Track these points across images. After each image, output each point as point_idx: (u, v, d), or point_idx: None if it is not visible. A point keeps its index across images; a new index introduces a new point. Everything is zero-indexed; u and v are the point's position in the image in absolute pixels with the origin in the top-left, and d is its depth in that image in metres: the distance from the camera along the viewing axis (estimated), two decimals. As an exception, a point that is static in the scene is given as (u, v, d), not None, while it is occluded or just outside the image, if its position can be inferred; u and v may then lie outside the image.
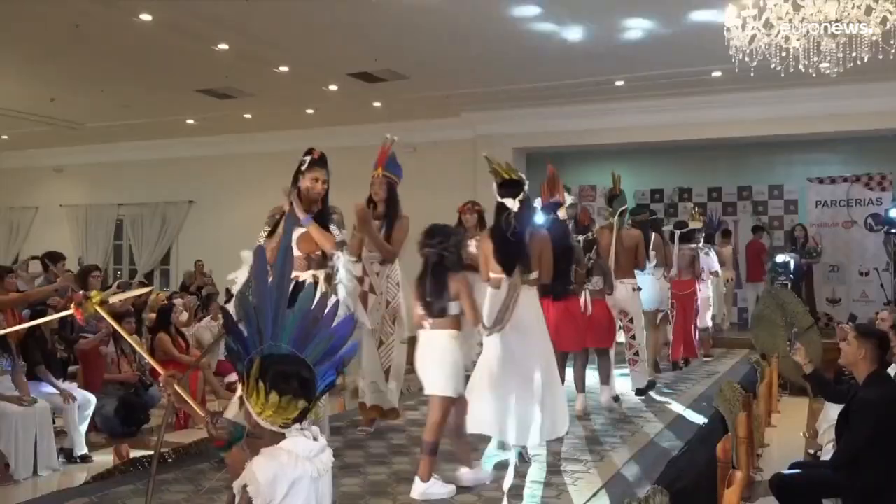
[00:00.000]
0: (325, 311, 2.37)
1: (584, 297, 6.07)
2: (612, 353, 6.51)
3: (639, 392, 6.87)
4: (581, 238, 6.38)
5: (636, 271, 7.04)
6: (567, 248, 5.61)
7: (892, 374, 5.24)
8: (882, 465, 4.08)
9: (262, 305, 2.28)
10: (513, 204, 4.50)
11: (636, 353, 6.85)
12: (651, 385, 7.10)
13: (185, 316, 9.51)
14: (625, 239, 6.88)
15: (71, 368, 7.17)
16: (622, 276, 6.78)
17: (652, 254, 7.54)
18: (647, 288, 7.38)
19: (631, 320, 6.88)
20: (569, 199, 6.08)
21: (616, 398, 6.46)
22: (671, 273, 8.34)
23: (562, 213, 5.81)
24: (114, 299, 3.22)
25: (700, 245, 9.28)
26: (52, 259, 8.46)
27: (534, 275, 4.56)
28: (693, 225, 9.04)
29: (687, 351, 8.84)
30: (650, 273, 7.59)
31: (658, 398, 6.82)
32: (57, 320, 7.23)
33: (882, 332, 4.79)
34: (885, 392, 4.22)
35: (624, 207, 7.06)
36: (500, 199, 4.57)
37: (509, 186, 4.57)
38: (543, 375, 4.44)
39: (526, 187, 4.64)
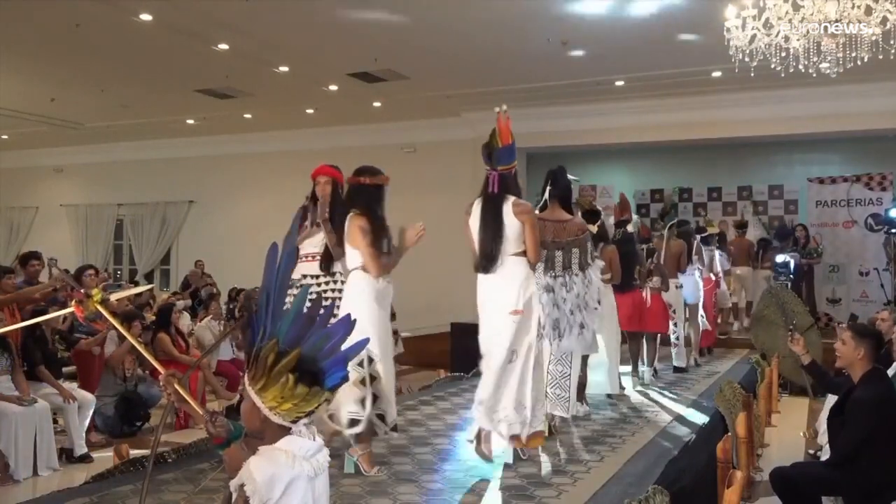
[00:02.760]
0: (321, 313, 2.36)
1: (646, 292, 7.64)
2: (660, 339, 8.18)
3: (677, 370, 8.27)
4: (645, 247, 8.14)
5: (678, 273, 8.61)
6: (633, 253, 7.19)
7: (892, 375, 5.26)
8: (882, 463, 4.08)
9: (264, 303, 2.28)
10: (592, 228, 5.95)
11: (677, 338, 8.41)
12: (684, 369, 8.31)
13: (186, 319, 9.54)
14: (672, 247, 8.43)
15: (65, 369, 7.14)
16: (669, 276, 8.23)
17: (695, 258, 8.99)
18: (687, 286, 8.70)
19: (674, 311, 8.31)
20: (635, 217, 7.54)
21: (654, 372, 8.03)
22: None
23: (630, 228, 7.40)
24: (115, 297, 3.22)
25: (716, 246, 10.39)
26: (27, 259, 8.41)
27: (605, 276, 5.91)
28: (710, 230, 10.31)
29: (707, 340, 9.84)
30: (690, 274, 8.79)
31: (658, 398, 6.84)
32: (59, 321, 7.25)
33: (878, 332, 4.83)
34: (881, 390, 4.25)
35: (672, 222, 8.81)
36: None
37: (590, 215, 6.19)
38: (609, 343, 6.40)
39: (603, 216, 6.37)
